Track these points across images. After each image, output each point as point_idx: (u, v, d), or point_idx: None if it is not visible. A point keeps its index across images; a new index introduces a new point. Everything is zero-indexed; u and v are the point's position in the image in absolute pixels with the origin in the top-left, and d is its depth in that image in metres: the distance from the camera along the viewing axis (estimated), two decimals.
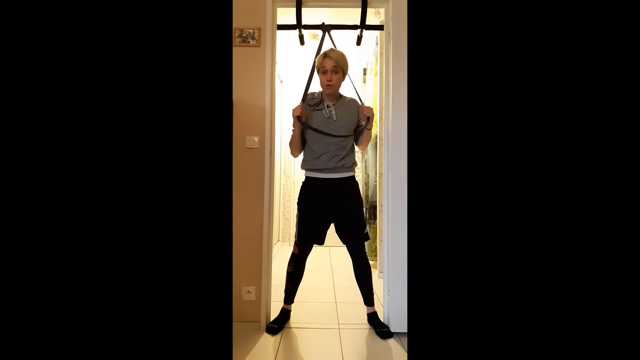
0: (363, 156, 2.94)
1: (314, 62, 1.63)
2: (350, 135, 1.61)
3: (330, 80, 1.55)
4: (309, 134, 1.61)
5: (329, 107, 1.61)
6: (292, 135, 1.64)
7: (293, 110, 1.59)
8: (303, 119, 1.58)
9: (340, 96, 1.66)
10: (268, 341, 1.50)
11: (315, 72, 1.64)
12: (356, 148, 1.72)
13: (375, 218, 2.64)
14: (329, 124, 1.58)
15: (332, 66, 1.54)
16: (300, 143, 1.64)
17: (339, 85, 1.61)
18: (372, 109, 1.61)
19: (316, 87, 1.68)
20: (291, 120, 1.62)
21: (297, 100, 1.67)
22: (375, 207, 2.64)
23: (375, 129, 2.45)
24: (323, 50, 1.63)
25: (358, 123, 1.63)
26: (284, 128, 3.30)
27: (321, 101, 1.63)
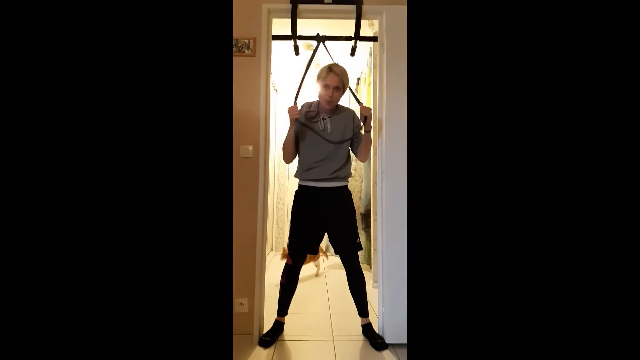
0: (356, 160, 2.95)
1: (308, 62, 1.63)
2: (345, 142, 1.60)
3: (332, 97, 1.57)
4: (304, 141, 1.62)
5: (325, 119, 1.63)
6: (286, 137, 1.63)
7: (290, 110, 1.58)
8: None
9: (337, 107, 1.67)
10: (261, 354, 1.47)
11: (316, 81, 1.65)
12: (353, 157, 1.72)
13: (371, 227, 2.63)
14: (324, 135, 1.60)
15: (334, 84, 1.55)
16: (294, 146, 1.63)
17: (338, 101, 1.64)
18: (370, 109, 1.60)
19: (305, 88, 1.70)
20: (286, 126, 1.62)
21: None
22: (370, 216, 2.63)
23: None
24: (315, 59, 1.65)
25: (354, 130, 1.63)
26: (278, 137, 3.29)
27: (317, 113, 1.64)
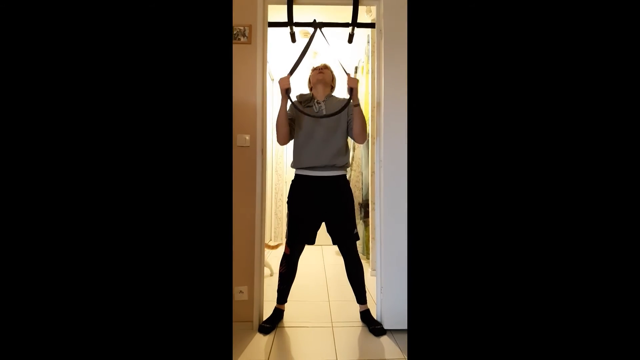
0: (354, 150, 2.94)
1: (306, 45, 1.61)
2: (340, 125, 1.60)
3: (322, 71, 1.67)
4: (299, 127, 1.62)
5: (319, 103, 1.65)
6: (278, 112, 1.61)
7: (281, 81, 1.55)
8: (290, 93, 1.57)
9: (331, 95, 1.70)
10: (261, 341, 1.49)
11: (308, 84, 1.76)
12: (351, 147, 1.73)
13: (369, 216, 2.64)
14: (319, 117, 1.60)
15: (323, 65, 1.71)
16: (286, 125, 1.60)
17: (329, 79, 1.68)
18: (357, 80, 1.57)
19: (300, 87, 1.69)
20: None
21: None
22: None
23: (368, 128, 2.44)
24: (314, 49, 1.69)
25: (348, 115, 1.62)
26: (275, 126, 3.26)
27: (312, 98, 1.67)
